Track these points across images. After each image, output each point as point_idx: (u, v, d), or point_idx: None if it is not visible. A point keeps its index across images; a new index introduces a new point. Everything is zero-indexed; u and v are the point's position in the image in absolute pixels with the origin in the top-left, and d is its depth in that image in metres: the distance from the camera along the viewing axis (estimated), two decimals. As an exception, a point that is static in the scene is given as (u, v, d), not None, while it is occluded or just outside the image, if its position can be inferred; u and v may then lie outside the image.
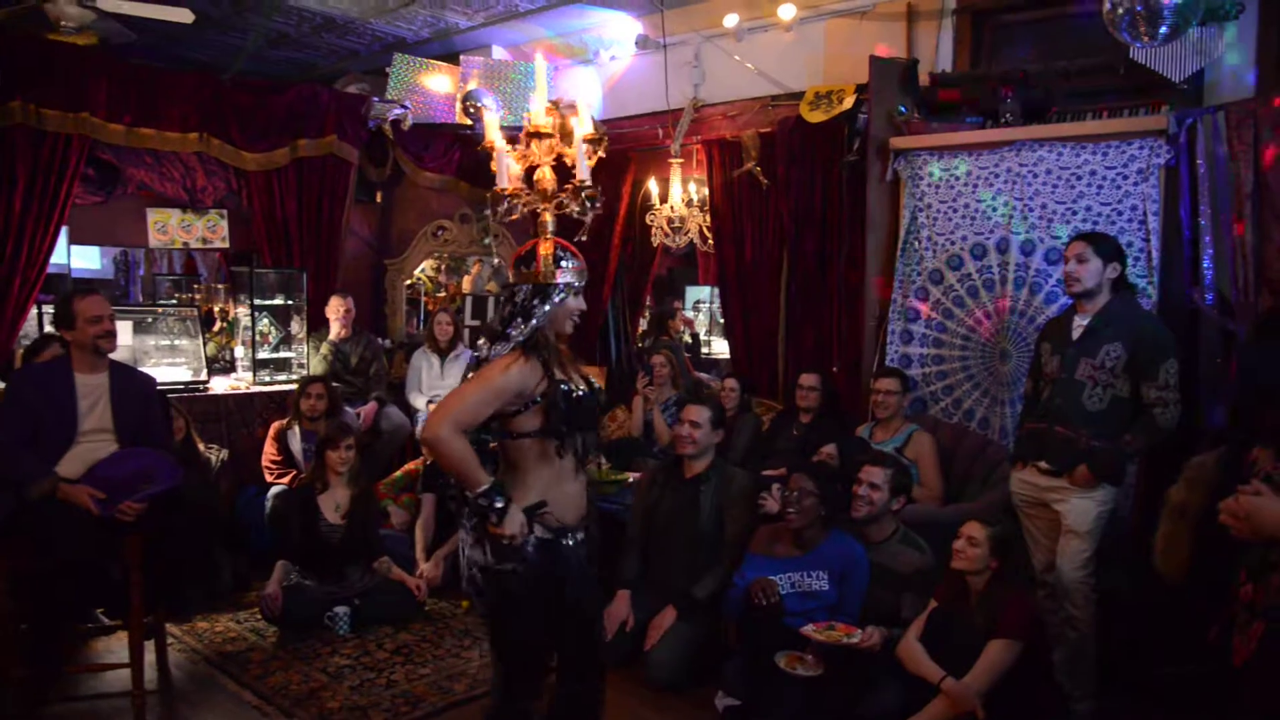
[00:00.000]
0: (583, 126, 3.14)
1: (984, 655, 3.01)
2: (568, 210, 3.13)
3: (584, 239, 3.06)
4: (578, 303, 2.64)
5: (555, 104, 3.34)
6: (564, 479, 2.58)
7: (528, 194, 3.23)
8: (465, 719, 3.56)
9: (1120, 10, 3.68)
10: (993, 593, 3.14)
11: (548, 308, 2.56)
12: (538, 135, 3.22)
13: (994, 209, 4.54)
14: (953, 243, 4.69)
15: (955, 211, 4.69)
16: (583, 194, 3.10)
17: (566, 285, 2.59)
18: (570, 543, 2.58)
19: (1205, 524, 2.77)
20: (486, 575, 2.54)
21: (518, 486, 2.53)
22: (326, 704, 3.58)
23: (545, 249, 2.62)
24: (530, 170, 3.29)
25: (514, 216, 3.33)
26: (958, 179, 4.68)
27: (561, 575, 2.54)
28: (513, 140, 3.36)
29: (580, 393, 2.57)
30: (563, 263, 2.60)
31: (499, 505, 2.44)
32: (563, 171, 3.16)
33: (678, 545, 3.97)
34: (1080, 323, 3.39)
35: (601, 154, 3.17)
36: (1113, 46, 4.05)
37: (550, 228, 2.92)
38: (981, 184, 4.59)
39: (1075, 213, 4.27)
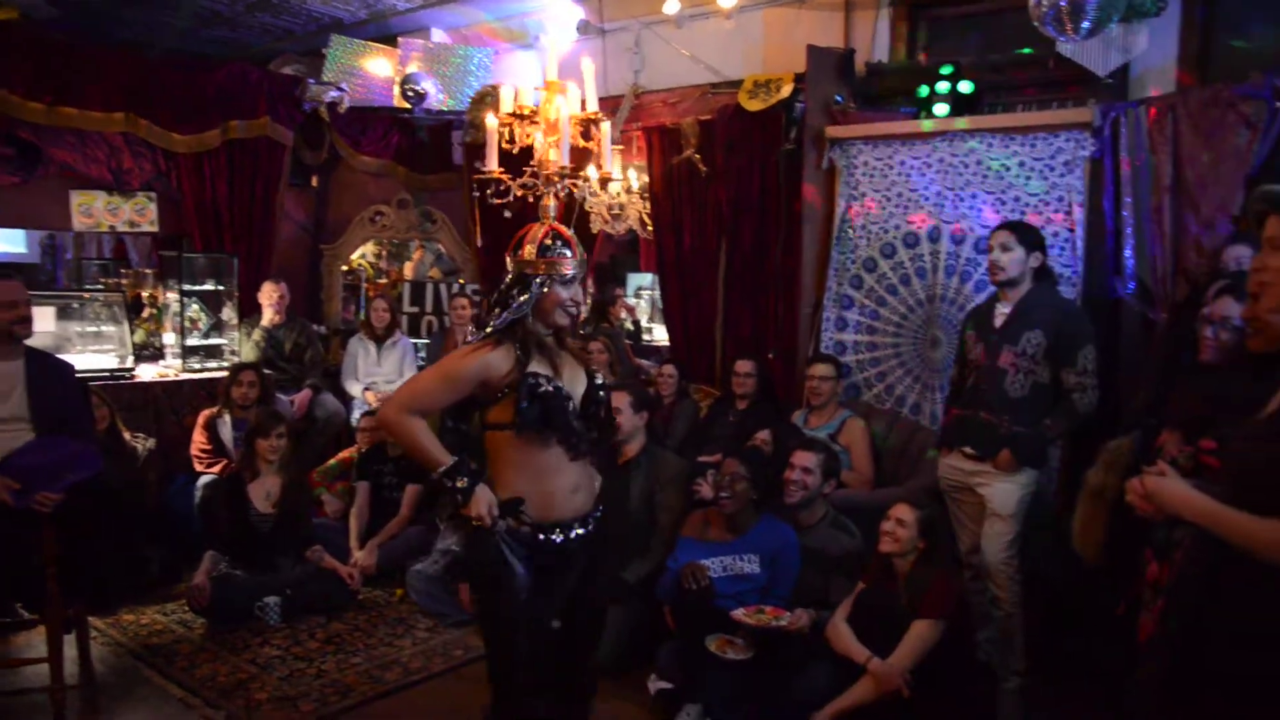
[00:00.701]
0: (589, 103, 3.00)
1: (909, 634, 3.08)
2: (573, 194, 3.01)
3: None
4: (568, 292, 2.49)
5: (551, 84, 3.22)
6: (547, 474, 2.46)
7: (512, 179, 3.12)
8: (397, 708, 3.54)
9: (1044, 5, 3.75)
10: (919, 574, 3.21)
11: (525, 297, 2.44)
12: (521, 116, 3.11)
13: (926, 198, 4.61)
14: (886, 231, 4.75)
15: (889, 200, 4.75)
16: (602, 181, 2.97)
17: (548, 275, 2.46)
18: (559, 539, 2.47)
19: (1121, 506, 2.86)
20: (467, 568, 2.49)
21: (497, 480, 2.44)
22: (255, 695, 3.53)
23: (535, 236, 2.49)
24: (526, 151, 3.17)
25: (505, 200, 3.23)
26: (891, 168, 4.74)
27: (544, 571, 2.45)
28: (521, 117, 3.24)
29: (551, 387, 2.41)
30: (549, 252, 2.47)
31: (461, 485, 2.35)
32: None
33: (611, 529, 3.97)
34: (1003, 310, 3.47)
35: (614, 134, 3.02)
36: (1043, 40, 4.14)
37: (552, 213, 2.80)
38: (914, 174, 4.66)
39: (1004, 203, 4.36)
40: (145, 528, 4.73)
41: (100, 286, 6.14)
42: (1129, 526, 2.85)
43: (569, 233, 2.55)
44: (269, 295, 5.91)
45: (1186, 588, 1.81)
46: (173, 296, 6.07)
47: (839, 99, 4.95)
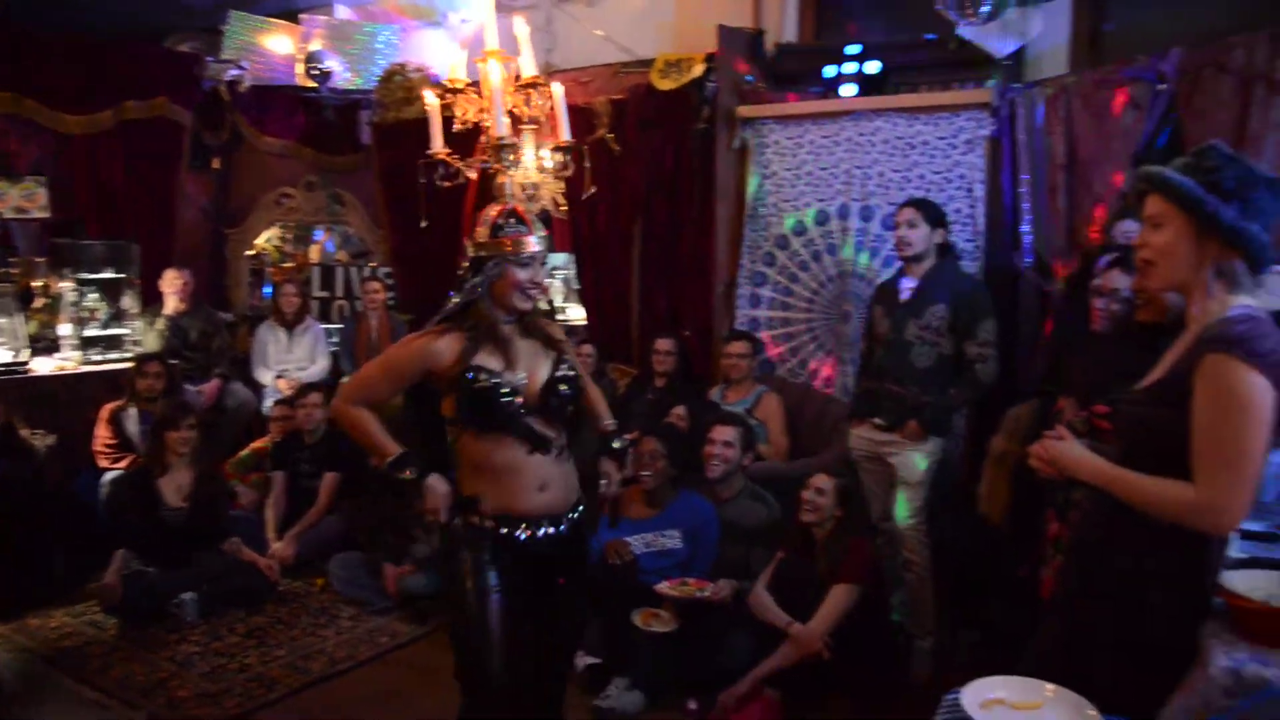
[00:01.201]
0: (527, 69, 2.92)
1: (827, 600, 3.20)
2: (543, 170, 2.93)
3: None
4: (526, 273, 2.31)
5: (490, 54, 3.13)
6: (508, 469, 2.30)
7: (459, 159, 3.02)
8: (323, 698, 3.50)
9: (946, -11, 3.87)
10: (835, 541, 3.33)
11: (478, 279, 2.30)
12: (457, 91, 3.01)
13: (835, 176, 4.72)
14: (797, 209, 4.86)
15: (799, 179, 4.85)
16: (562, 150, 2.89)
17: (502, 256, 2.29)
18: (523, 537, 2.32)
19: (1023, 471, 3.02)
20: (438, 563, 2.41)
21: (459, 472, 2.35)
22: (175, 693, 3.46)
23: (490, 215, 2.37)
24: (475, 128, 3.06)
25: (450, 183, 3.12)
26: (801, 147, 4.83)
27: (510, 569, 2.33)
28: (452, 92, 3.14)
29: (490, 382, 2.25)
30: (502, 231, 2.31)
31: (409, 476, 2.26)
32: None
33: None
34: (908, 285, 3.59)
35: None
36: (946, 22, 4.27)
37: (509, 190, 2.64)
38: (823, 152, 4.76)
39: (910, 180, 4.49)
40: (47, 527, 4.55)
41: (-14, 276, 5.83)
42: (1031, 491, 3.02)
43: (526, 211, 2.41)
44: (172, 282, 5.71)
45: (1082, 551, 1.93)
46: (67, 285, 5.81)
47: (749, 78, 5.02)
